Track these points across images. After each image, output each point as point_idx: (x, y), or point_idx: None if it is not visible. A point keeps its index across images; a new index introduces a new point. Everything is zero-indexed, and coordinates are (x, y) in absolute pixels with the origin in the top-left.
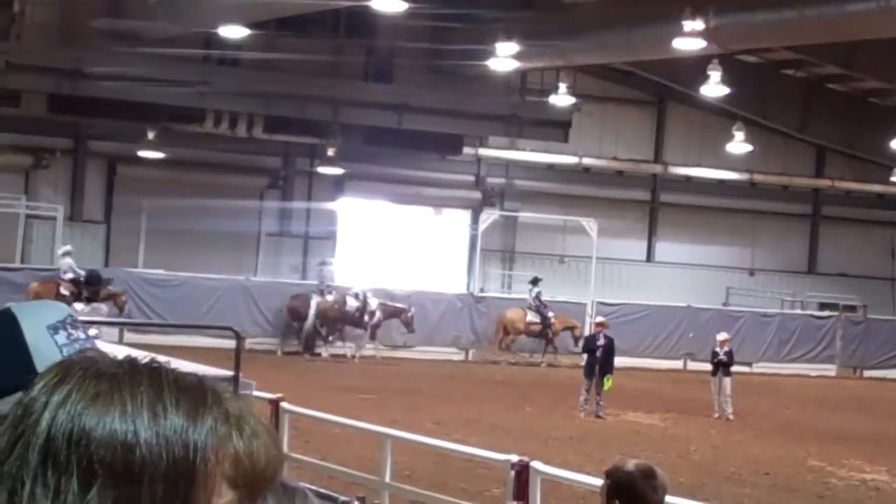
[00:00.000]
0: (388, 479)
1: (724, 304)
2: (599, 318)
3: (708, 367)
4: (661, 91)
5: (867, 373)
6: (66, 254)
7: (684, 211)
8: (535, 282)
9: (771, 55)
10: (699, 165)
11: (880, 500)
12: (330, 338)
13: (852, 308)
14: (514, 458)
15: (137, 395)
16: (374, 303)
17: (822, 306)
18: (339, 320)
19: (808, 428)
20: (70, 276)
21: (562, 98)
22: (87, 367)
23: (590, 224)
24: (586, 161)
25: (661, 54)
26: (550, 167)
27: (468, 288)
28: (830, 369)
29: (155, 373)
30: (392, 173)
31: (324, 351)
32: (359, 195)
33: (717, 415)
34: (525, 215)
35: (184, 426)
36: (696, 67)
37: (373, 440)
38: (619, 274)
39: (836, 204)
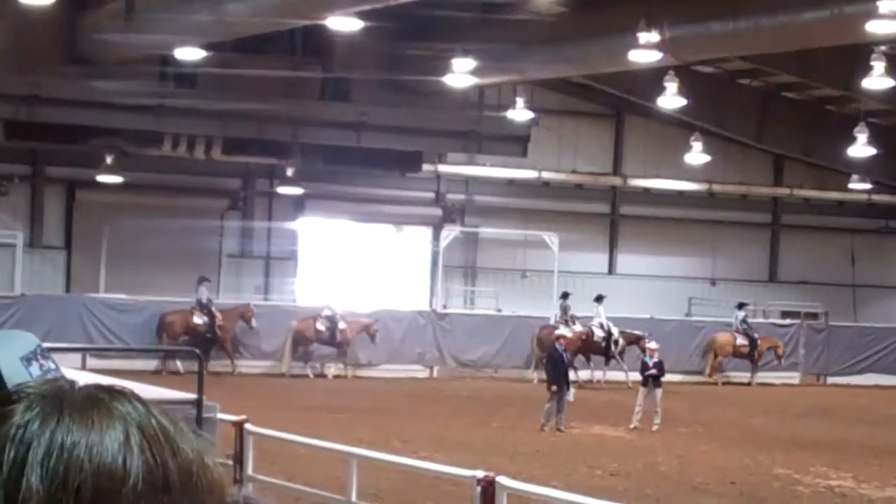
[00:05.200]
0: (354, 498)
1: (687, 315)
2: (559, 332)
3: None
4: (619, 104)
5: (830, 380)
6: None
7: (644, 223)
8: (740, 306)
9: (727, 65)
10: (658, 177)
11: None
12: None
13: (814, 315)
14: (480, 473)
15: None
16: (615, 331)
17: (784, 314)
18: (583, 349)
19: (773, 436)
20: (327, 312)
21: (520, 113)
22: (61, 400)
23: (551, 238)
24: (545, 175)
25: (618, 67)
26: (510, 182)
27: (431, 304)
28: (794, 377)
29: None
30: (352, 192)
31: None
32: (319, 214)
33: (633, 425)
34: (486, 231)
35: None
36: (652, 79)
37: (339, 459)
38: (581, 287)
39: (796, 212)
